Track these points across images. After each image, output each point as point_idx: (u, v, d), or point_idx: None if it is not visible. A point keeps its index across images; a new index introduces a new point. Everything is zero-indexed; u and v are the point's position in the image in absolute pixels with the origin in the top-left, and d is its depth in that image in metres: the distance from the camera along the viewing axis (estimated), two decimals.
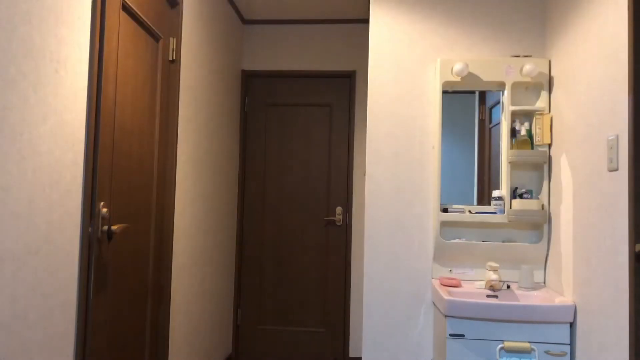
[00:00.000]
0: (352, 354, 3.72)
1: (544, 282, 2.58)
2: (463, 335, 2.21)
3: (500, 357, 2.18)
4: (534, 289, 2.46)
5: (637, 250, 1.69)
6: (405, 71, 2.74)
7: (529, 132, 2.58)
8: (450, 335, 2.22)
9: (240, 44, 3.82)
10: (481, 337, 2.20)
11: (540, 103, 2.58)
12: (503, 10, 2.72)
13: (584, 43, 2.15)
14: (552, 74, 2.56)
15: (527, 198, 2.54)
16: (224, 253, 3.48)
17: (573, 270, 2.20)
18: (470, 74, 2.61)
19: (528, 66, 2.52)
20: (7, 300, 1.36)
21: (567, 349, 2.16)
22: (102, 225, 1.82)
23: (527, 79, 2.57)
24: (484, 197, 2.65)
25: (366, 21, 3.76)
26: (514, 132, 2.59)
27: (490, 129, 2.68)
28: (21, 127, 1.39)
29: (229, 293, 3.68)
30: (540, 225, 2.56)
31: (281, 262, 3.80)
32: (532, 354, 2.17)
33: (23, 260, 1.41)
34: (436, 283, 2.55)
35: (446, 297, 2.24)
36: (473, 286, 2.52)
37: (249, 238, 3.83)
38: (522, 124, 2.60)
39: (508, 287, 2.48)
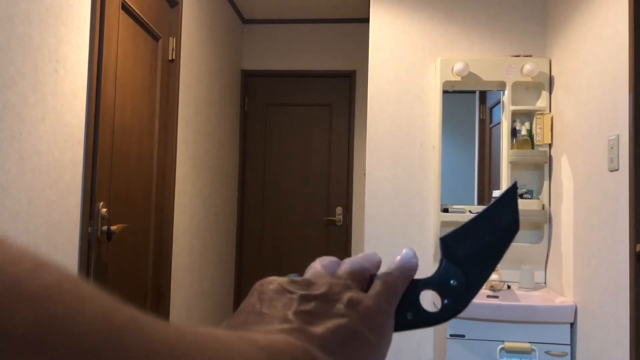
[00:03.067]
0: None
1: (545, 283, 2.57)
2: (463, 336, 2.21)
3: (500, 357, 2.17)
4: (534, 289, 2.45)
5: (637, 250, 1.69)
6: (406, 71, 2.73)
7: (530, 131, 2.57)
8: (451, 335, 2.22)
9: (240, 43, 3.81)
10: (482, 337, 2.19)
11: (541, 103, 2.58)
12: (504, 10, 2.71)
13: (585, 42, 2.14)
14: (553, 73, 2.55)
15: (527, 198, 2.54)
16: (223, 253, 3.48)
17: (573, 271, 2.20)
18: (470, 74, 2.60)
19: (528, 66, 2.51)
20: None
21: (567, 349, 2.16)
22: (102, 225, 1.82)
23: (528, 79, 2.56)
24: (485, 197, 2.64)
25: (366, 21, 3.74)
26: (514, 132, 2.59)
27: (490, 128, 2.68)
28: (20, 127, 1.39)
29: (229, 293, 3.67)
30: (540, 226, 2.56)
31: (281, 261, 3.79)
32: (533, 355, 2.16)
33: None
34: None
35: None
36: None
37: (249, 238, 3.82)
38: (522, 123, 2.59)
39: (508, 287, 2.47)
